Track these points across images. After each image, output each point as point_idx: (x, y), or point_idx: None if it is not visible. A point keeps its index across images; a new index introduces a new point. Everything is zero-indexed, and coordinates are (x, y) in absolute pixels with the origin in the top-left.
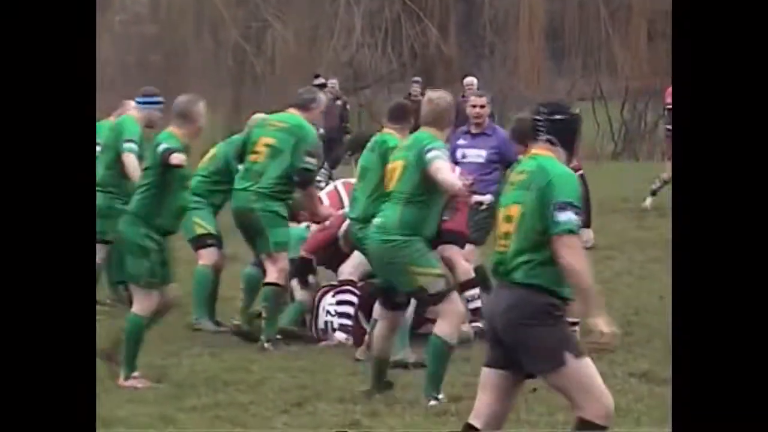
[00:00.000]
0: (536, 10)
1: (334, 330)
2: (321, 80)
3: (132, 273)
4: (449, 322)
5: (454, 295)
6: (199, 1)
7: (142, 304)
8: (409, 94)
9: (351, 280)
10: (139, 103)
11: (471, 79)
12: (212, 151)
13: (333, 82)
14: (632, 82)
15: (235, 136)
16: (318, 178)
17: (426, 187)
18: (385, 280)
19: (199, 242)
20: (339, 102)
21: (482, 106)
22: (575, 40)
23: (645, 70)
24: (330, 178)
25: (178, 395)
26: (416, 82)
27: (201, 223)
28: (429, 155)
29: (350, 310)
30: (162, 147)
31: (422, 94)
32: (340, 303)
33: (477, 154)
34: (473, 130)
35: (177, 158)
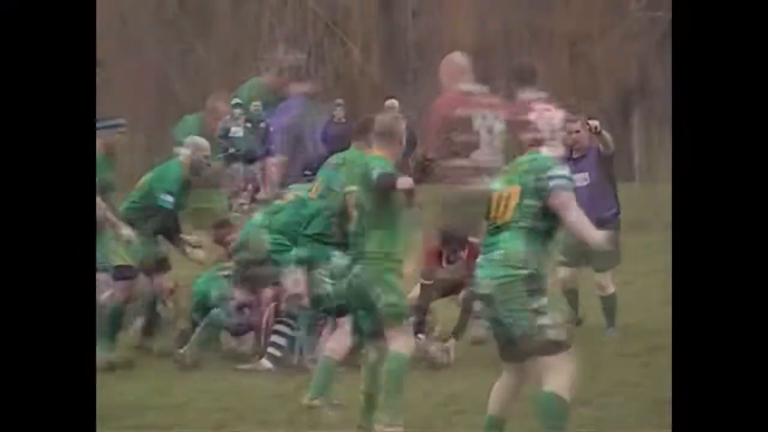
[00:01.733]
0: (460, 34)
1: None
2: (237, 100)
3: (393, 313)
4: (563, 376)
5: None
6: (122, 22)
7: (407, 341)
8: (332, 116)
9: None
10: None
11: (392, 102)
12: (142, 180)
13: (256, 105)
14: (555, 103)
15: (162, 166)
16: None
17: (549, 214)
18: (499, 326)
19: (116, 273)
20: (262, 124)
21: (577, 131)
22: (498, 63)
23: (567, 91)
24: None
25: (99, 418)
26: (339, 105)
27: (122, 254)
28: (552, 183)
29: (282, 341)
30: (376, 173)
31: (345, 117)
32: (276, 332)
33: (582, 178)
34: (574, 155)
35: (404, 182)
